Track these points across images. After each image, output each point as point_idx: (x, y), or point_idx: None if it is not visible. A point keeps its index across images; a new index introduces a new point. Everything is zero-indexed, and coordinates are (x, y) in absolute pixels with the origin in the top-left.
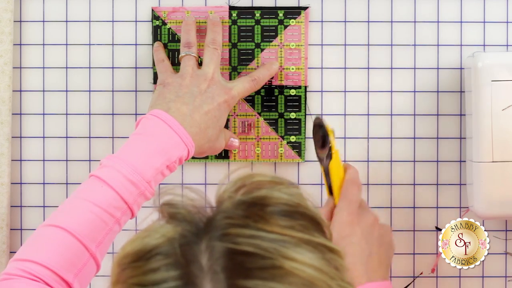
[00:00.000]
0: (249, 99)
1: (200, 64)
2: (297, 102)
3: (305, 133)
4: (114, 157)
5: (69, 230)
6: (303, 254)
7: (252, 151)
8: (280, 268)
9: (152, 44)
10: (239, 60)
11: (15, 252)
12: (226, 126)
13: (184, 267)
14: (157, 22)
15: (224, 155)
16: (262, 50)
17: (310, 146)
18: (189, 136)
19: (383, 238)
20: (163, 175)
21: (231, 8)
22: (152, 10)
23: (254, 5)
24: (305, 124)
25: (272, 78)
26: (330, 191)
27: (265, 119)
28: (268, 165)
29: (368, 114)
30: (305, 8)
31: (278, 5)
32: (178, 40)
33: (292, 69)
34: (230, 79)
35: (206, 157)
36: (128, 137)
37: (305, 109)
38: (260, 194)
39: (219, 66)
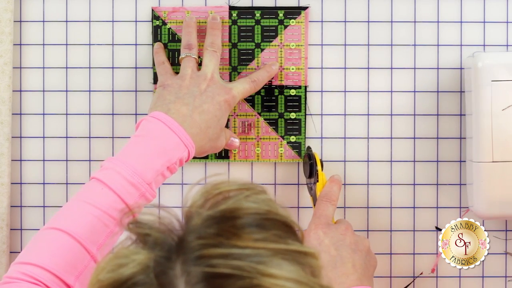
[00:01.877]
0: (249, 99)
1: (200, 65)
2: (297, 102)
3: (305, 133)
4: (115, 159)
5: (70, 233)
6: (280, 268)
7: (252, 151)
8: (259, 286)
9: (152, 44)
10: (239, 60)
11: (15, 252)
12: (226, 126)
13: None
14: (157, 22)
15: (224, 155)
16: (262, 50)
17: (310, 146)
18: (189, 137)
19: (357, 245)
20: (163, 176)
21: (231, 8)
22: (152, 10)
23: (254, 5)
24: (305, 124)
25: (272, 78)
26: (314, 204)
27: (265, 119)
28: (268, 165)
29: (368, 114)
30: (305, 8)
31: (278, 5)
32: (178, 40)
33: (292, 69)
34: (230, 79)
35: (206, 157)
36: (128, 137)
37: (305, 109)
38: (228, 207)
39: (218, 68)
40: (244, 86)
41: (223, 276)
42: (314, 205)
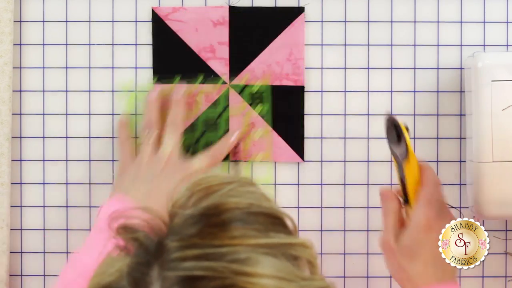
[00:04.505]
0: None
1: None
2: (295, 102)
3: (304, 133)
4: (77, 261)
5: None
6: (256, 265)
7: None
8: (232, 286)
9: (153, 44)
10: (239, 60)
11: (15, 252)
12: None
13: None
14: (157, 22)
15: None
16: (262, 50)
17: (310, 146)
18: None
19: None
20: None
21: (231, 8)
22: (152, 10)
23: (254, 5)
24: (303, 124)
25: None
26: (403, 191)
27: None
28: (268, 165)
29: (368, 114)
30: (304, 8)
31: (277, 5)
32: (178, 40)
33: (291, 69)
34: (230, 76)
35: None
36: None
37: (303, 109)
38: (208, 204)
39: (178, 145)
40: (203, 162)
41: (196, 278)
42: (399, 171)
